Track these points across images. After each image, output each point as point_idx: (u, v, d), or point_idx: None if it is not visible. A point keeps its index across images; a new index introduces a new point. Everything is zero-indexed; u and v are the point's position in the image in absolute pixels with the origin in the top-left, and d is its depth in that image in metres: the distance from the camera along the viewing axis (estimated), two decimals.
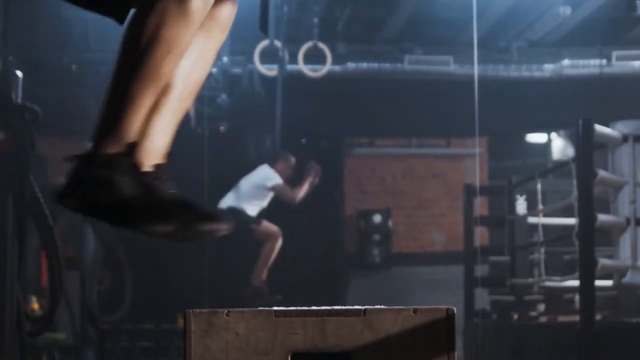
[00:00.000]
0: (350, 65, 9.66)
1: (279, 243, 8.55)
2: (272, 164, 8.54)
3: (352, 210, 11.99)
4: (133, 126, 1.98)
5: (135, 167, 1.97)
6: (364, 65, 9.68)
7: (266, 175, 8.55)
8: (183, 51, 1.98)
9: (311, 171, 8.52)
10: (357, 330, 1.71)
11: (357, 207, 11.96)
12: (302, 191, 8.41)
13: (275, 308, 1.75)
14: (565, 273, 7.32)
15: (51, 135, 9.75)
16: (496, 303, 8.68)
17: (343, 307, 1.78)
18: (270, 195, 8.46)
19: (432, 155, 12.26)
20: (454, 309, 1.75)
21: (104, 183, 1.95)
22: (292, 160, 8.67)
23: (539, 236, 7.42)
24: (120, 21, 2.05)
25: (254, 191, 8.66)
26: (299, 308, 1.77)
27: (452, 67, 9.56)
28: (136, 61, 1.95)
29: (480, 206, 9.88)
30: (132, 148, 1.97)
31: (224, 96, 9.33)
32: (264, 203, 8.70)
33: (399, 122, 11.22)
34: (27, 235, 5.45)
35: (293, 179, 8.67)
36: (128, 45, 1.97)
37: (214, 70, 9.25)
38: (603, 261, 5.99)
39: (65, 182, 2.00)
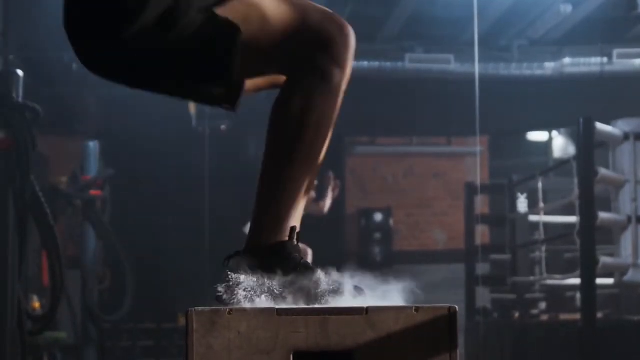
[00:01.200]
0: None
1: (309, 259, 8.31)
2: None
3: (353, 209, 12.00)
4: (294, 213, 1.95)
5: (293, 251, 1.93)
6: (365, 64, 9.67)
7: None
8: (331, 127, 1.96)
9: (331, 182, 8.52)
10: (359, 328, 1.71)
11: (358, 206, 11.97)
12: (328, 202, 8.37)
13: (277, 307, 1.74)
14: (567, 271, 7.32)
15: (52, 134, 9.77)
16: (497, 301, 8.69)
17: (345, 306, 1.78)
18: None
19: (433, 154, 12.26)
20: (456, 307, 1.75)
21: (269, 276, 1.88)
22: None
23: (540, 234, 7.42)
24: (234, 108, 2.01)
25: None
26: (301, 307, 1.77)
27: (453, 65, 9.55)
28: (288, 150, 1.91)
29: (482, 205, 9.88)
30: (293, 232, 1.93)
31: None
32: None
33: (399, 121, 11.22)
34: (28, 234, 5.45)
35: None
36: (276, 133, 1.93)
37: None
38: (604, 259, 5.99)
39: (225, 285, 1.90)
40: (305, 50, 1.92)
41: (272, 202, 1.94)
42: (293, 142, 1.92)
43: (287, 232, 1.93)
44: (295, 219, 1.96)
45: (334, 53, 1.92)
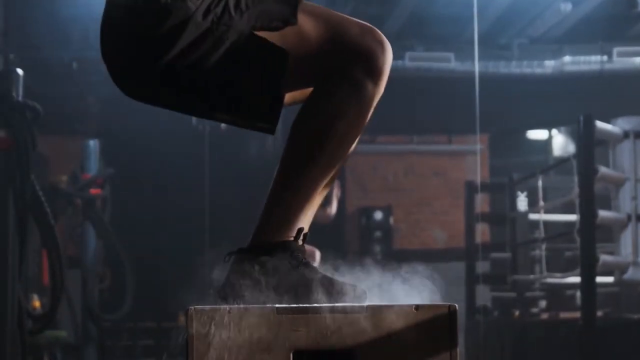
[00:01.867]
0: None
1: (317, 261, 8.04)
2: None
3: (353, 208, 12.00)
4: (304, 217, 1.95)
5: (296, 250, 1.93)
6: None
7: None
8: (356, 139, 1.96)
9: (335, 186, 8.28)
10: (360, 327, 1.71)
11: (359, 205, 11.97)
12: (334, 207, 8.16)
13: (277, 305, 1.74)
14: (567, 269, 7.32)
15: (52, 133, 9.77)
16: (497, 300, 8.69)
17: (345, 304, 1.78)
18: None
19: (433, 153, 12.26)
20: (456, 305, 1.75)
21: (272, 272, 1.89)
22: None
23: (540, 233, 7.42)
24: (272, 131, 1.99)
25: None
26: (301, 305, 1.77)
27: (453, 64, 9.55)
28: (309, 154, 1.90)
29: (482, 203, 9.88)
30: (300, 233, 1.94)
31: None
32: None
33: (400, 119, 11.22)
34: (28, 233, 5.45)
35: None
36: (300, 135, 1.92)
37: None
38: (604, 258, 5.99)
39: (226, 281, 1.92)
40: (341, 61, 1.91)
41: (284, 203, 1.93)
42: (317, 148, 1.90)
43: (294, 233, 1.93)
44: (305, 223, 1.96)
45: (371, 67, 1.91)
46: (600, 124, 6.10)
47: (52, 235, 5.56)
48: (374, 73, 1.91)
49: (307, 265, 1.91)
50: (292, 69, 1.92)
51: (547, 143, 12.93)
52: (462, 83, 8.35)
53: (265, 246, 1.92)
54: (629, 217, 6.29)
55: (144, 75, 1.93)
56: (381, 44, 1.93)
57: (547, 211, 7.65)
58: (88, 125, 10.46)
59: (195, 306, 1.71)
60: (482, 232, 9.36)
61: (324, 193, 2.02)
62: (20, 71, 5.44)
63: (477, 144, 9.76)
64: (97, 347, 8.25)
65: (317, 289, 1.86)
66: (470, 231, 8.63)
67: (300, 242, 1.93)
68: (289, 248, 1.91)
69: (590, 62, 9.65)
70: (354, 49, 1.91)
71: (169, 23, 1.86)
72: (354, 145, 1.99)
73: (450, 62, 9.56)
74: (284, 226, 1.93)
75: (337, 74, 1.91)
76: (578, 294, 7.25)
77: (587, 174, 5.94)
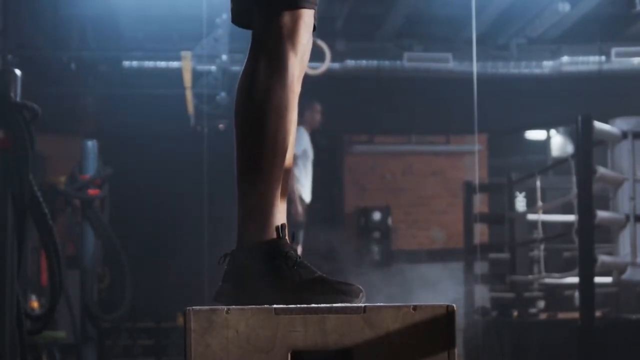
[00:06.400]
0: (350, 62, 9.65)
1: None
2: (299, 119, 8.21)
3: (351, 208, 12.00)
4: (275, 203, 1.97)
5: (289, 249, 1.94)
6: (363, 62, 9.67)
7: (299, 139, 7.85)
8: (292, 111, 2.01)
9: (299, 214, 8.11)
10: (358, 327, 1.71)
11: (357, 205, 11.96)
12: (294, 191, 8.07)
13: (275, 306, 1.74)
14: (565, 270, 7.32)
15: (51, 133, 9.77)
16: (496, 300, 8.69)
17: (343, 305, 1.78)
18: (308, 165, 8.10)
19: (431, 153, 12.26)
20: (454, 306, 1.75)
21: (268, 273, 1.91)
22: (318, 107, 8.37)
23: (539, 233, 7.41)
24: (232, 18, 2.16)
25: (304, 167, 8.20)
26: (299, 306, 1.77)
27: (452, 64, 9.56)
28: (257, 135, 1.96)
29: (481, 203, 9.88)
30: (283, 230, 1.95)
31: (223, 94, 9.33)
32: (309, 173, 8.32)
33: (398, 119, 11.23)
34: (26, 234, 5.44)
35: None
36: (242, 123, 1.99)
37: (213, 68, 9.25)
38: (603, 258, 5.98)
39: (224, 283, 1.96)
40: (265, 25, 1.99)
41: (252, 193, 1.96)
42: (260, 127, 1.96)
43: (275, 224, 1.94)
44: (280, 213, 1.97)
45: (285, 37, 1.99)
46: (598, 124, 6.10)
47: (51, 236, 5.55)
48: (288, 43, 1.99)
49: (302, 264, 1.91)
50: None
51: (546, 143, 12.92)
52: (460, 83, 8.36)
53: (257, 248, 1.92)
54: (628, 218, 6.29)
55: None
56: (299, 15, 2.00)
57: (545, 211, 7.65)
58: (86, 126, 10.46)
59: (194, 306, 1.71)
60: (480, 232, 9.36)
61: (287, 174, 2.05)
62: (18, 71, 5.43)
63: (476, 144, 9.77)
64: (96, 347, 8.24)
65: (314, 288, 1.86)
66: (468, 231, 8.62)
67: (288, 240, 1.94)
68: (280, 248, 1.91)
69: (589, 62, 9.66)
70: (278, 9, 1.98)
71: None
72: (294, 116, 2.03)
73: (448, 63, 9.57)
74: (263, 220, 1.95)
75: (257, 46, 2.00)
76: (576, 294, 7.24)
77: (586, 175, 5.94)
